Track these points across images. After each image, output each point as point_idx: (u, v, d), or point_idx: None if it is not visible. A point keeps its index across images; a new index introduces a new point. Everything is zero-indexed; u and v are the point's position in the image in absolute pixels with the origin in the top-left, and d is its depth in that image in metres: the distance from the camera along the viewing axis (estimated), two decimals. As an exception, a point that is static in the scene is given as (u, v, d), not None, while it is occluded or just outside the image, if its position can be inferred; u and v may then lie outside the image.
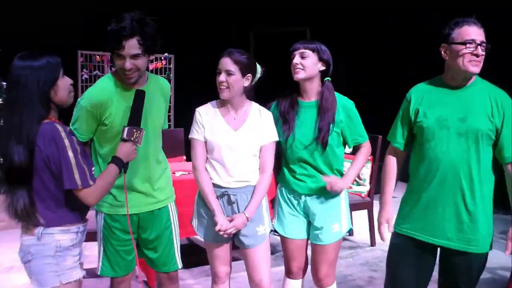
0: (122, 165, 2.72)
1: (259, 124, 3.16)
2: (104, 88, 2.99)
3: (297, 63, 3.16)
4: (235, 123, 3.15)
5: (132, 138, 2.75)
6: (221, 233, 3.06)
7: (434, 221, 2.87)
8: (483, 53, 2.75)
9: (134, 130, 2.76)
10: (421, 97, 2.96)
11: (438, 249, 2.95)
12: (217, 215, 3.09)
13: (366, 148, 3.36)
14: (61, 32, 7.99)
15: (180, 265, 3.26)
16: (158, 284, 3.36)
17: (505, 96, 2.79)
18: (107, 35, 2.85)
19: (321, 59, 3.20)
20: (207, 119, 3.16)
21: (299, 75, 3.18)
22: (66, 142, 2.46)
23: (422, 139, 2.90)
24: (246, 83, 3.08)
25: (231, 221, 3.09)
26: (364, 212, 5.76)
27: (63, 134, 2.47)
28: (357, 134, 3.29)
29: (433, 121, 2.86)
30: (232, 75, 3.02)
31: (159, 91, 3.13)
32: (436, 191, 2.85)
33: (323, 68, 3.22)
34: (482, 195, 2.81)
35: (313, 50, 3.18)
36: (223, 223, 3.06)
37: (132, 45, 2.82)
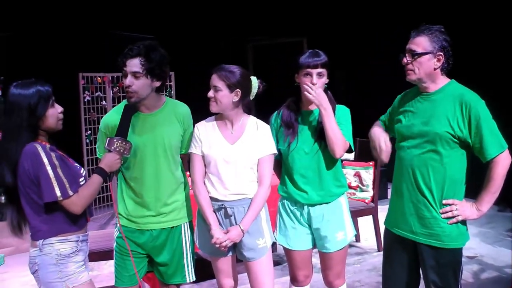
0: (106, 175, 2.93)
1: (256, 137, 3.20)
2: (115, 111, 3.22)
3: (314, 84, 3.18)
4: (232, 137, 3.20)
5: (113, 148, 2.95)
6: (217, 246, 3.11)
7: (402, 216, 3.03)
8: (409, 61, 2.93)
9: (115, 141, 2.95)
10: (401, 103, 3.16)
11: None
12: (213, 228, 3.14)
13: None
14: (61, 55, 8.07)
15: (189, 279, 3.34)
16: None
17: (473, 98, 2.86)
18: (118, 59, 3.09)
19: (328, 73, 3.27)
20: (205, 133, 3.22)
21: (313, 93, 3.19)
22: (44, 159, 2.69)
23: (397, 141, 3.10)
24: (235, 98, 3.13)
25: (227, 233, 3.13)
26: (369, 218, 5.78)
27: (41, 152, 2.70)
28: (347, 138, 3.30)
29: (404, 126, 3.04)
30: (219, 91, 3.10)
31: (174, 115, 3.24)
32: (401, 188, 3.02)
33: (327, 81, 3.29)
34: (445, 195, 2.91)
35: (327, 67, 3.23)
36: (218, 236, 3.11)
37: (134, 64, 3.02)
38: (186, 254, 3.31)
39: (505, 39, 6.95)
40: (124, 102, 3.21)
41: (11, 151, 2.70)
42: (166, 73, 3.15)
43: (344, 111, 3.34)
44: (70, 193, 2.73)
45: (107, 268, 5.29)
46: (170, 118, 3.22)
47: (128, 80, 3.02)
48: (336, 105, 3.33)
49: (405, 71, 2.97)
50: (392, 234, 3.11)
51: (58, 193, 2.69)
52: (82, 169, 2.96)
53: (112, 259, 3.35)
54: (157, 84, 3.11)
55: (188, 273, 3.33)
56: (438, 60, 2.89)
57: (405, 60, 2.94)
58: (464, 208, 2.90)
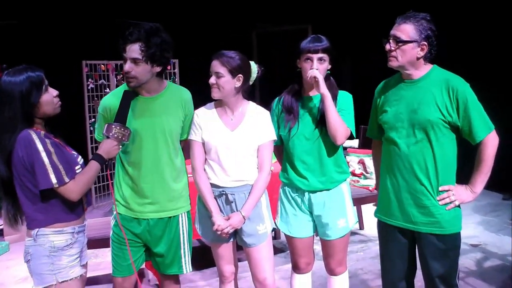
0: (103, 161, 2.86)
1: (256, 123, 3.19)
2: (114, 93, 3.18)
3: (316, 69, 3.16)
4: (232, 123, 3.19)
5: (111, 134, 2.88)
6: (219, 232, 3.11)
7: (399, 206, 3.01)
8: (392, 47, 2.91)
9: (114, 127, 2.89)
10: (383, 93, 3.13)
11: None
12: (214, 215, 3.13)
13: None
14: (65, 43, 8.05)
15: (186, 270, 3.32)
16: (162, 285, 3.44)
17: (459, 82, 2.86)
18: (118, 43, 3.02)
19: (331, 59, 3.25)
20: (204, 120, 3.21)
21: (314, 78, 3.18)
22: (39, 145, 2.62)
23: (384, 131, 3.07)
24: (238, 84, 3.12)
25: (228, 220, 3.13)
26: (371, 205, 5.78)
27: (35, 139, 2.62)
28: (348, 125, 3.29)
29: (391, 115, 3.01)
30: (221, 77, 3.07)
31: (175, 100, 3.20)
32: (396, 179, 3.00)
33: (329, 67, 3.27)
34: (441, 181, 2.91)
35: (328, 53, 3.21)
36: (220, 223, 3.11)
37: (133, 49, 2.96)
38: (184, 245, 3.28)
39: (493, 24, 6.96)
40: (124, 85, 3.16)
41: (5, 142, 2.63)
42: (167, 58, 3.07)
43: (346, 97, 3.32)
44: (66, 179, 2.66)
45: (110, 255, 5.29)
46: (171, 103, 3.17)
47: (128, 66, 2.97)
48: (339, 91, 3.32)
49: (387, 57, 2.95)
50: (388, 225, 3.10)
51: (54, 180, 2.62)
52: (80, 157, 2.90)
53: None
54: (158, 69, 3.05)
55: (185, 264, 3.30)
56: (422, 50, 2.87)
57: (388, 47, 2.92)
58: (460, 192, 2.92)
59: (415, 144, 2.92)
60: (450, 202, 2.91)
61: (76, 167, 2.78)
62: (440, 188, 2.91)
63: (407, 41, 2.86)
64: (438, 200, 2.91)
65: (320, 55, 3.18)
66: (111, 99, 3.14)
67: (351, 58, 9.09)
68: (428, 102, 2.88)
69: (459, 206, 2.96)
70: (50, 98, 2.74)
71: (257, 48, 10.59)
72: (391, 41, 2.91)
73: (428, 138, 2.88)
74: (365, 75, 9.11)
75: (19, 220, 2.80)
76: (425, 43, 2.86)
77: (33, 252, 2.73)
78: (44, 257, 2.72)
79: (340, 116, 3.20)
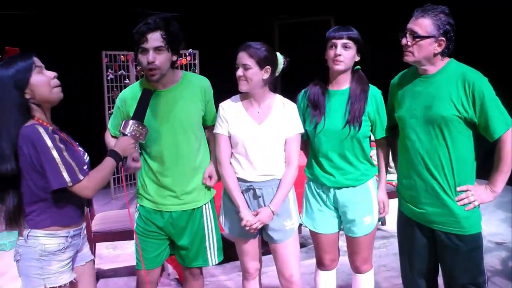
0: (119, 159, 2.72)
1: (283, 116, 3.11)
2: (132, 87, 3.15)
3: (339, 54, 3.08)
4: (259, 116, 3.11)
5: (128, 132, 2.76)
6: (247, 228, 3.05)
7: (416, 204, 2.95)
8: (409, 42, 2.83)
9: (131, 125, 2.77)
10: (398, 87, 3.05)
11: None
12: (242, 210, 3.07)
13: (385, 147, 3.34)
14: (85, 33, 8.04)
15: (211, 263, 3.27)
16: (184, 280, 3.39)
17: (476, 77, 2.75)
18: (133, 34, 2.93)
19: (358, 50, 3.15)
20: (230, 113, 3.14)
21: (340, 66, 3.11)
22: (48, 142, 2.43)
23: (400, 128, 3.01)
24: (266, 75, 3.04)
25: (256, 215, 3.06)
26: (396, 201, 5.67)
27: (44, 135, 2.43)
28: (381, 129, 3.24)
29: (405, 111, 2.93)
30: (249, 69, 2.99)
31: (193, 88, 3.13)
32: (412, 177, 2.93)
33: (358, 59, 3.18)
34: (458, 179, 2.82)
35: (355, 41, 3.11)
36: (248, 219, 3.04)
37: (155, 38, 2.89)
38: (209, 237, 3.23)
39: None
40: (141, 80, 3.13)
41: (4, 133, 2.41)
42: (180, 47, 3.06)
43: (379, 101, 3.20)
44: (81, 177, 2.49)
45: (130, 247, 5.28)
46: (187, 93, 3.11)
47: (151, 56, 2.89)
48: (371, 88, 3.22)
49: (403, 51, 2.87)
50: (407, 221, 3.05)
51: (67, 178, 2.44)
52: (86, 154, 2.72)
53: (133, 239, 3.24)
54: (174, 58, 3.02)
55: (211, 255, 3.25)
56: (439, 45, 2.78)
57: (404, 41, 2.84)
58: (479, 192, 2.83)
59: (430, 141, 2.83)
60: (469, 203, 2.81)
61: (84, 167, 2.58)
62: (458, 189, 2.83)
63: (424, 36, 2.76)
64: (457, 201, 2.82)
65: (344, 41, 3.08)
66: (128, 92, 3.13)
67: (373, 50, 8.98)
68: (442, 98, 2.79)
69: (478, 206, 2.85)
70: (43, 79, 2.51)
71: (278, 39, 10.51)
72: (407, 35, 2.82)
73: (443, 135, 2.79)
74: (387, 67, 9.05)
75: (20, 220, 2.56)
76: (443, 38, 2.77)
77: (23, 253, 2.56)
78: (34, 260, 2.54)
79: (378, 120, 3.19)
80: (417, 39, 2.78)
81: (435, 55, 2.81)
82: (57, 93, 2.59)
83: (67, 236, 2.61)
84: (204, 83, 3.20)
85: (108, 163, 2.67)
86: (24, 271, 2.59)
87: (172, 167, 3.10)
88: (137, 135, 2.78)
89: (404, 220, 3.09)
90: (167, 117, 3.05)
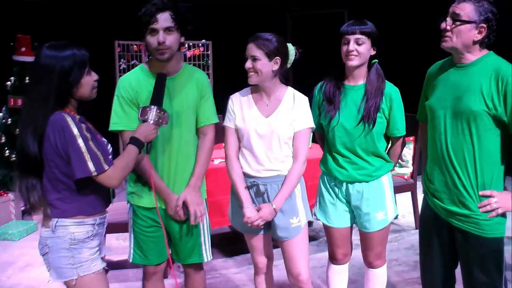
0: (142, 145, 2.69)
1: (293, 109, 3.04)
2: (132, 73, 3.06)
3: (352, 50, 3.04)
4: (267, 109, 3.06)
5: (149, 118, 2.73)
6: (249, 224, 3.01)
7: (439, 199, 2.82)
8: (448, 27, 2.69)
9: (151, 110, 2.75)
10: (433, 75, 2.93)
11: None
12: (245, 206, 3.03)
13: (397, 146, 3.31)
14: (97, 22, 8.03)
15: (206, 258, 3.19)
16: (185, 274, 3.31)
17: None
18: (141, 16, 2.87)
19: (374, 44, 3.10)
20: (239, 106, 3.10)
21: (354, 62, 3.07)
22: (75, 131, 2.43)
23: (428, 118, 2.90)
24: (275, 66, 2.98)
25: (258, 211, 3.02)
26: (408, 195, 5.65)
27: (71, 123, 2.43)
28: (395, 127, 3.20)
29: (435, 100, 2.82)
30: (258, 61, 2.94)
31: (192, 81, 3.06)
32: (440, 173, 2.81)
33: (373, 53, 3.13)
34: (481, 180, 2.68)
35: (368, 36, 3.06)
36: (250, 215, 3.00)
37: (165, 18, 2.84)
38: (204, 232, 3.16)
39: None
40: (141, 65, 3.06)
41: (37, 120, 2.43)
42: (190, 26, 2.99)
43: (395, 98, 3.15)
44: (106, 167, 2.47)
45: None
46: (187, 84, 3.03)
47: (162, 36, 2.83)
48: (387, 84, 3.17)
49: (442, 36, 2.74)
50: (430, 213, 2.92)
51: (92, 168, 2.43)
52: (109, 145, 2.70)
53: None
54: (182, 39, 2.96)
55: (206, 251, 3.18)
56: (480, 33, 2.64)
57: (444, 25, 2.69)
58: (504, 200, 2.65)
59: (456, 135, 2.70)
60: (492, 210, 2.66)
61: (109, 157, 2.58)
62: (481, 193, 2.68)
63: (466, 21, 2.63)
64: (478, 207, 2.68)
65: (357, 36, 3.03)
66: (129, 78, 3.02)
67: (386, 44, 8.91)
68: (474, 90, 2.64)
69: (504, 214, 2.70)
70: (91, 81, 2.58)
71: (291, 31, 10.46)
72: (448, 19, 2.69)
73: (470, 130, 2.65)
74: (402, 61, 8.99)
75: (43, 208, 2.57)
76: (484, 25, 2.63)
77: (51, 244, 2.56)
78: (64, 250, 2.54)
79: (392, 118, 3.15)
80: (458, 23, 2.65)
81: (474, 43, 2.67)
82: (95, 94, 2.65)
83: (94, 224, 2.61)
84: (204, 77, 3.14)
85: (131, 150, 2.65)
86: (54, 263, 2.58)
87: (166, 161, 3.01)
88: (160, 120, 2.76)
89: (427, 209, 2.95)
90: (167, 106, 2.92)
